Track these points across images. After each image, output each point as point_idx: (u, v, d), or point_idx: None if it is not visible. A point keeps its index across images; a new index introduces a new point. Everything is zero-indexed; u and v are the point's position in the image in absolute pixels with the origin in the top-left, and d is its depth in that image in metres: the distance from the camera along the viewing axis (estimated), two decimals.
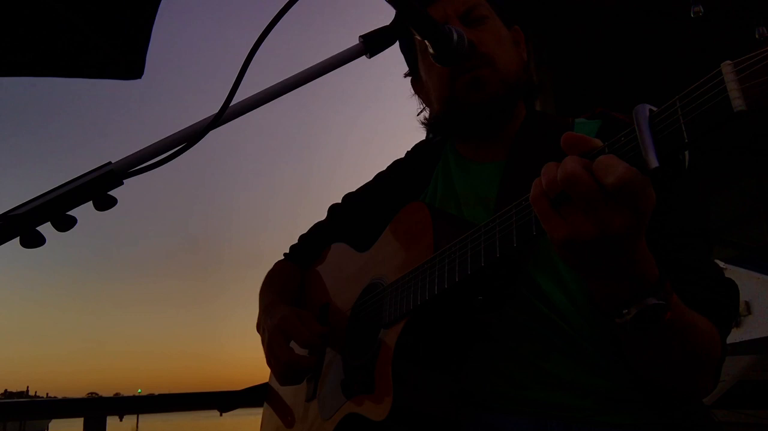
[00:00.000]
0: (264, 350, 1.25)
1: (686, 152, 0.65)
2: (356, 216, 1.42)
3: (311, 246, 1.49)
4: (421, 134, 1.41)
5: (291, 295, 1.43)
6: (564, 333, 1.01)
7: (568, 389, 1.00)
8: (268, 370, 1.30)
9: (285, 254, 1.55)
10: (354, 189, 1.48)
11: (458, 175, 1.24)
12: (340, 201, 1.50)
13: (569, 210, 0.72)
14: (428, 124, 1.32)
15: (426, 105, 1.34)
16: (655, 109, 0.66)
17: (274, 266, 1.52)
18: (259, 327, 1.32)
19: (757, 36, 4.11)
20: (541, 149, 1.06)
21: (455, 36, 0.94)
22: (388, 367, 0.98)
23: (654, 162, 0.64)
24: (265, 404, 1.50)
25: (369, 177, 1.47)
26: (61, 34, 2.03)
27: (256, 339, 1.32)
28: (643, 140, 0.65)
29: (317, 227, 1.51)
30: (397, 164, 1.44)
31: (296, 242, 1.55)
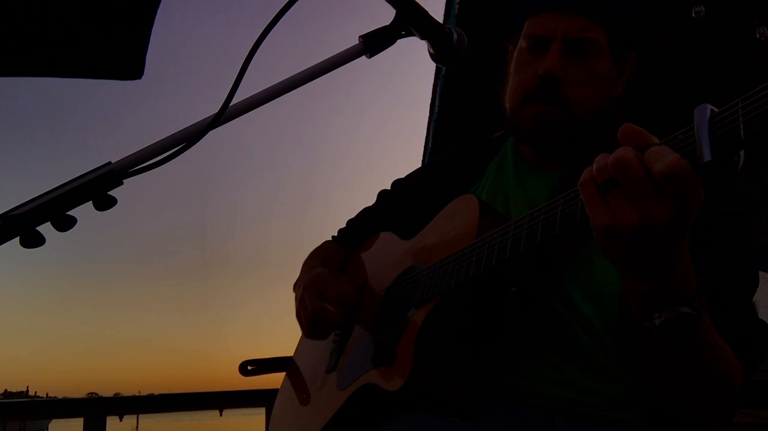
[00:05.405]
0: (295, 306, 1.29)
1: (741, 154, 0.67)
2: (404, 204, 1.43)
3: (357, 231, 1.52)
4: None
5: (332, 269, 1.44)
6: (584, 345, 1.02)
7: (579, 389, 1.01)
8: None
9: (333, 237, 1.58)
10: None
11: (513, 176, 1.24)
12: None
13: (615, 196, 0.72)
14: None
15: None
16: (716, 109, 0.67)
17: (321, 244, 1.56)
18: (296, 287, 1.34)
19: (757, 36, 4.08)
20: None
21: (455, 36, 0.94)
22: (411, 342, 0.98)
23: (707, 155, 0.65)
24: (285, 376, 1.53)
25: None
26: (61, 35, 2.03)
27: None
28: (700, 135, 0.66)
29: (365, 212, 1.54)
30: (451, 153, 1.44)
31: (344, 226, 1.57)
